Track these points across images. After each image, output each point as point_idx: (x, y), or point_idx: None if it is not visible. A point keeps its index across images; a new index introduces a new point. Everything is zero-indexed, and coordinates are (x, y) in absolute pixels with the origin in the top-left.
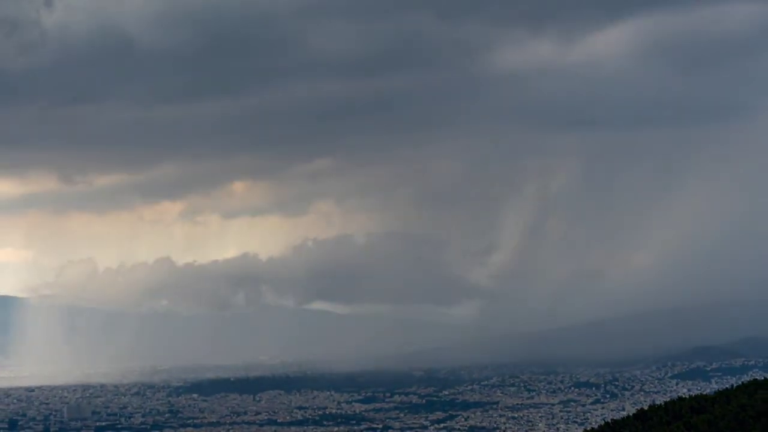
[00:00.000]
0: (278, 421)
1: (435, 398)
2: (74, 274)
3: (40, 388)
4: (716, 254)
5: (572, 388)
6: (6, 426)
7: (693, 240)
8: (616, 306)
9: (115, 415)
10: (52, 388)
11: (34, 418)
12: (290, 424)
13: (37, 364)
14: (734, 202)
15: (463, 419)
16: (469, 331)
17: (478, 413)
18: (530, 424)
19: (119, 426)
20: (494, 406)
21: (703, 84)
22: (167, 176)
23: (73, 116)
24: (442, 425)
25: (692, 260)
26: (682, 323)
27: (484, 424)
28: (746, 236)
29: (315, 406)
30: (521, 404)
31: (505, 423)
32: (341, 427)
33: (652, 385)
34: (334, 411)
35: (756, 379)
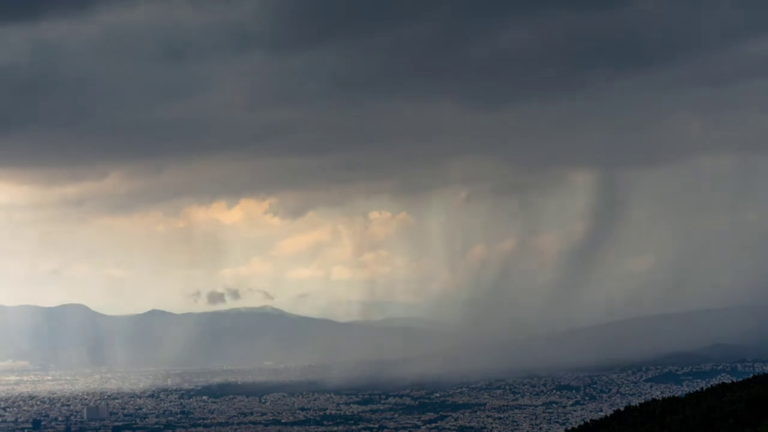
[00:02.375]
0: (282, 421)
1: (427, 400)
2: None
3: (61, 391)
4: (686, 268)
5: (554, 390)
6: (30, 426)
7: (665, 255)
8: (596, 315)
9: (131, 416)
10: (72, 391)
11: (56, 419)
12: (293, 424)
13: None
14: (695, 222)
15: (452, 419)
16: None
17: (467, 414)
18: (515, 424)
19: (135, 426)
20: (482, 408)
21: None
22: None
23: None
24: (433, 425)
25: (664, 273)
26: (656, 331)
27: (472, 424)
28: (713, 252)
29: (316, 408)
30: (507, 405)
31: (491, 423)
32: (340, 427)
33: (627, 388)
34: (333, 412)
35: (724, 382)
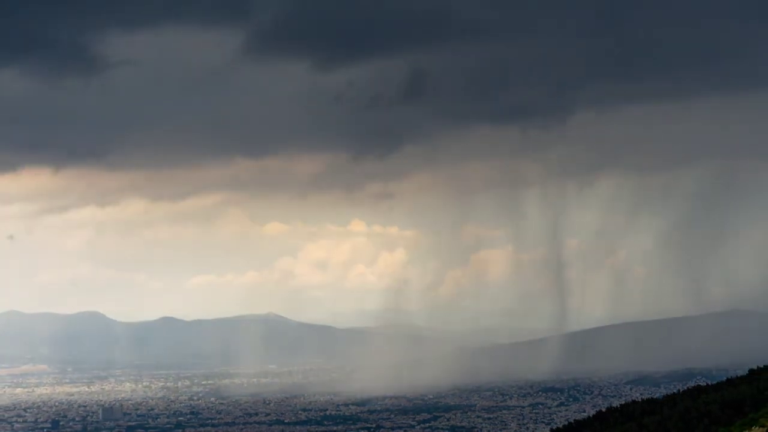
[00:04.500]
0: (285, 421)
1: (420, 402)
2: None
3: (78, 393)
4: (662, 278)
5: (540, 392)
6: (49, 426)
7: (640, 266)
8: (578, 322)
9: (144, 416)
10: (88, 394)
11: (73, 419)
12: (295, 423)
13: None
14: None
15: (445, 420)
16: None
17: (458, 414)
18: (503, 423)
19: (147, 426)
20: (472, 408)
21: None
22: None
23: None
24: (427, 425)
25: (641, 283)
26: (635, 337)
27: (463, 424)
28: (687, 262)
29: (317, 408)
30: (495, 406)
31: (481, 423)
32: (339, 427)
33: (608, 390)
34: (333, 413)
35: (699, 385)
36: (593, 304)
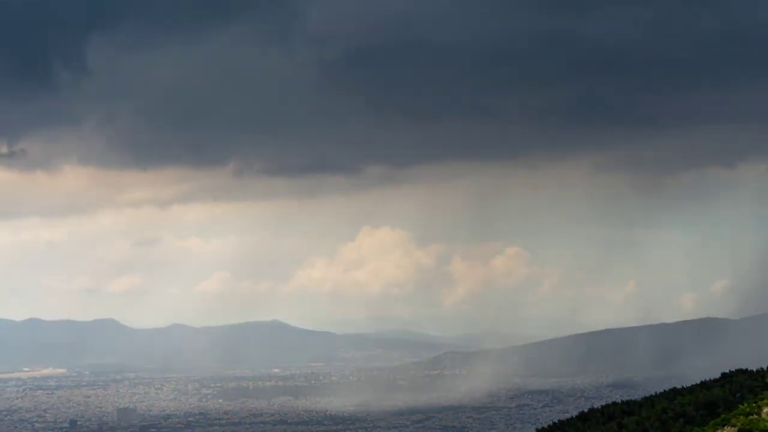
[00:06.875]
0: (288, 421)
1: (414, 402)
2: None
3: (95, 395)
4: (644, 286)
5: (526, 394)
6: (67, 426)
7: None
8: (563, 328)
9: (156, 416)
10: (104, 395)
11: (90, 420)
12: (298, 423)
13: None
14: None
15: (437, 420)
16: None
17: (450, 414)
18: (492, 424)
19: (159, 426)
20: (463, 409)
21: None
22: None
23: None
24: (420, 425)
25: (625, 291)
26: (617, 342)
27: (454, 423)
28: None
29: (318, 410)
30: (484, 407)
31: (471, 423)
32: (339, 426)
33: (590, 392)
34: (333, 413)
35: (675, 387)
36: (580, 312)
